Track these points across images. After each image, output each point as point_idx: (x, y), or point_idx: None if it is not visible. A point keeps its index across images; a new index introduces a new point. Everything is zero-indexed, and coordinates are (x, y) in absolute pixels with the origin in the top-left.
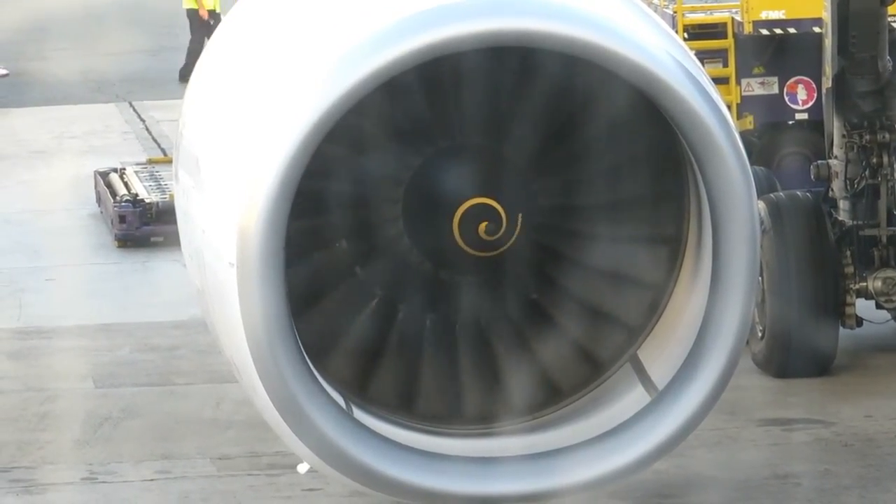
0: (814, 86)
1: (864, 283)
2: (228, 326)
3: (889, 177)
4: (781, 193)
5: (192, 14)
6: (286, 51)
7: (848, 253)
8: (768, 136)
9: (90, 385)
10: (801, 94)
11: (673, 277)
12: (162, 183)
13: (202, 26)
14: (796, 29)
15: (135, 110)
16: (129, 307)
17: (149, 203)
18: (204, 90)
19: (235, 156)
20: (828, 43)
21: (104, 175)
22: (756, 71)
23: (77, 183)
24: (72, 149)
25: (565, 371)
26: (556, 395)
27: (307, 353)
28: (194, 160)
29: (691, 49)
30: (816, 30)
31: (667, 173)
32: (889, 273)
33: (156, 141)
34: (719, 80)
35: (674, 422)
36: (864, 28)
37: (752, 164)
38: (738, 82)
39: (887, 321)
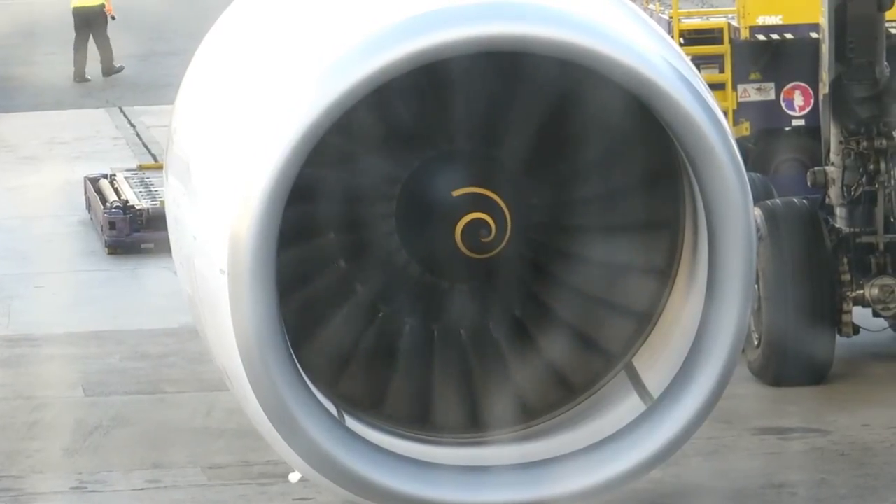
0: (811, 92)
1: (861, 291)
2: (220, 334)
3: (886, 183)
4: (778, 200)
5: (90, 13)
6: (277, 56)
7: (845, 260)
8: (764, 142)
9: (80, 393)
10: (798, 100)
11: (668, 285)
12: (152, 189)
13: (101, 27)
14: (793, 34)
15: (125, 116)
16: (120, 314)
17: (139, 209)
18: (195, 96)
19: (227, 161)
20: (825, 48)
21: (94, 181)
22: (752, 77)
23: (67, 189)
24: (61, 154)
25: (559, 380)
26: (549, 404)
27: (298, 360)
28: (185, 166)
29: (687, 55)
30: (813, 35)
31: (663, 181)
32: (886, 281)
33: (146, 147)
34: (715, 86)
35: (669, 430)
36: (861, 33)
37: (748, 170)
38: (735, 88)
39: (884, 329)
